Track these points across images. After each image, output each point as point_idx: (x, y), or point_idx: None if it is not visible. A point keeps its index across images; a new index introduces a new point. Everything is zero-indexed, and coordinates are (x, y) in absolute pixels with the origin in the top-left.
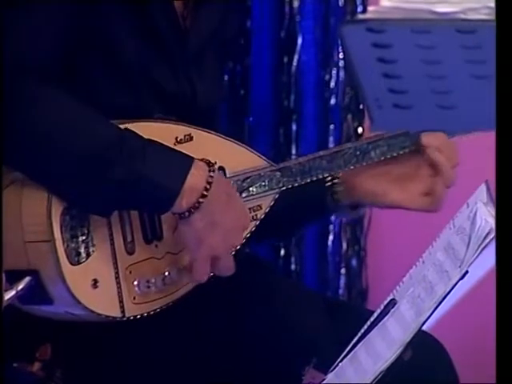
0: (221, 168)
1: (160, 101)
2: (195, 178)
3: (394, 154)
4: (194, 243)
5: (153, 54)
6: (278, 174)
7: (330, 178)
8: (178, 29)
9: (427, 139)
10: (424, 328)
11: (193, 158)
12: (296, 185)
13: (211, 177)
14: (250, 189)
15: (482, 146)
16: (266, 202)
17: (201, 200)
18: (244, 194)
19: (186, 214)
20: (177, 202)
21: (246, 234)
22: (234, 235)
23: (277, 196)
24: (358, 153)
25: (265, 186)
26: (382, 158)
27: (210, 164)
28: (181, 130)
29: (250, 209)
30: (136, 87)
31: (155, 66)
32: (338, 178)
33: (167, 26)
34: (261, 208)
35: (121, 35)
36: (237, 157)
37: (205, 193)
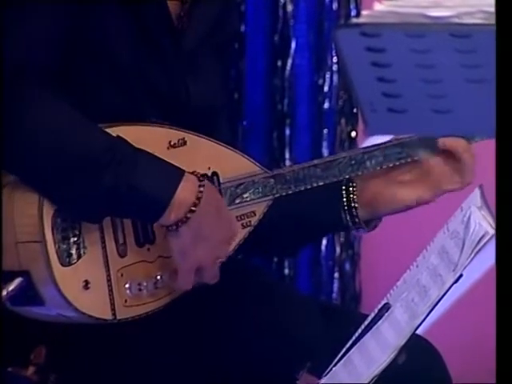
0: (214, 173)
1: (154, 102)
2: (185, 191)
3: (390, 165)
4: (179, 255)
5: (146, 54)
6: (272, 180)
7: (345, 195)
8: (171, 29)
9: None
10: (418, 331)
11: (183, 171)
12: (290, 192)
13: (201, 192)
14: (244, 195)
15: (476, 150)
16: (260, 209)
17: (189, 215)
18: (238, 200)
19: (174, 227)
20: (165, 215)
21: (240, 240)
22: (221, 248)
23: (270, 203)
24: (353, 162)
25: (258, 192)
26: (378, 168)
27: (200, 178)
28: (175, 134)
29: (243, 215)
30: (130, 88)
31: (149, 67)
32: (355, 195)
33: (160, 26)
34: (255, 214)
35: (115, 36)
36: (231, 162)
37: (193, 208)
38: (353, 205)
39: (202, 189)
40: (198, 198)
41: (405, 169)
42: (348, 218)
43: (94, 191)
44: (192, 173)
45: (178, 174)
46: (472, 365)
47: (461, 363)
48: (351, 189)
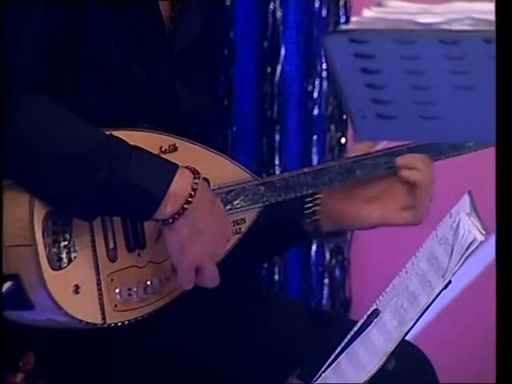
0: (205, 180)
1: (143, 103)
2: (180, 183)
3: (381, 173)
4: (177, 251)
5: (136, 54)
6: (262, 188)
7: (309, 206)
8: (162, 29)
9: (401, 160)
10: (408, 337)
11: (178, 165)
12: (280, 200)
13: (196, 183)
14: (234, 202)
15: (464, 156)
16: (250, 216)
17: (185, 206)
18: (228, 207)
19: (170, 220)
20: (160, 208)
21: (230, 246)
22: (217, 244)
23: (260, 210)
24: (343, 170)
25: (249, 199)
26: (367, 176)
27: (195, 172)
28: (165, 140)
29: (233, 222)
30: (119, 89)
31: (138, 67)
32: (318, 205)
33: (151, 26)
34: (244, 222)
35: (104, 36)
36: (221, 169)
37: (190, 199)
38: (316, 217)
39: (197, 181)
40: (194, 190)
41: (370, 185)
42: (311, 230)
43: (89, 188)
44: (187, 167)
45: (172, 167)
46: (469, 366)
47: (462, 364)
48: (316, 201)
